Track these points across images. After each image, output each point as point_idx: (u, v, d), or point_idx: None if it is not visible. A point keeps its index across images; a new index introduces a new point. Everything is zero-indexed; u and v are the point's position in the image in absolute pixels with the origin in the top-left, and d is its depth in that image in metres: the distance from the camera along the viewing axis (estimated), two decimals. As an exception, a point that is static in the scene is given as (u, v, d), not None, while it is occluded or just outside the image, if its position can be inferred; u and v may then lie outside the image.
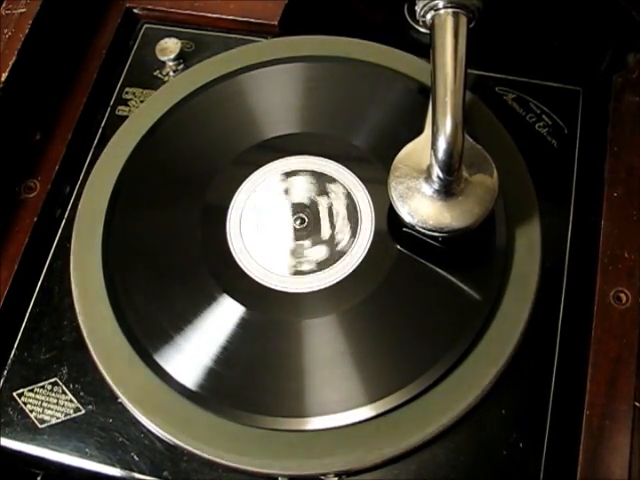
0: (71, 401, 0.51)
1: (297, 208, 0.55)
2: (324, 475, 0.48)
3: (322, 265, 0.53)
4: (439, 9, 0.49)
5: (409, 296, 0.51)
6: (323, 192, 0.56)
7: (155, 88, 0.63)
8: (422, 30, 0.63)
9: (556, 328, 0.52)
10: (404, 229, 0.51)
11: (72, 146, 0.61)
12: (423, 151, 0.50)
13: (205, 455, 0.48)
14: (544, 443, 0.48)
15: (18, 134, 0.60)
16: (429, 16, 0.50)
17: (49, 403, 0.52)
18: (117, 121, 0.61)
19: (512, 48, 0.63)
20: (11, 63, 0.58)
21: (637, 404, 0.47)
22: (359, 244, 0.53)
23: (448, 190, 0.49)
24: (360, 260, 0.53)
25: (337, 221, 0.54)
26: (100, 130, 0.62)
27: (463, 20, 0.49)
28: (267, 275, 0.53)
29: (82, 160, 0.61)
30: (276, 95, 0.60)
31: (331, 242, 0.54)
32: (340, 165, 0.56)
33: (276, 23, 0.64)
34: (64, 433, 0.51)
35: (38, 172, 0.60)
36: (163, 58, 0.63)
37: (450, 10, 0.49)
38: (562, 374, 0.50)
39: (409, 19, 0.65)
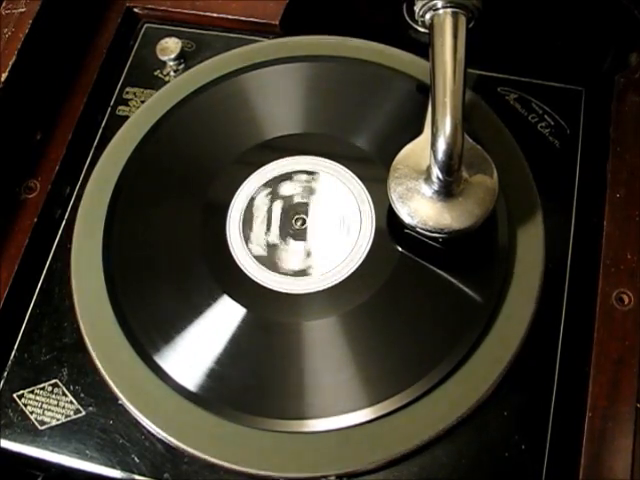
0: (71, 402, 0.51)
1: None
2: (325, 477, 0.47)
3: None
4: (438, 9, 0.49)
5: (410, 298, 0.51)
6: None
7: (156, 88, 0.63)
8: (421, 30, 0.63)
9: (558, 330, 0.51)
10: (405, 230, 0.51)
11: (72, 146, 0.61)
12: (423, 152, 0.50)
13: (206, 457, 0.48)
14: (546, 445, 0.48)
15: (18, 134, 0.60)
16: (428, 16, 0.50)
17: (49, 404, 0.51)
18: (118, 121, 0.61)
19: (514, 48, 0.63)
20: (11, 63, 0.58)
21: (639, 406, 0.47)
22: (360, 245, 0.53)
23: (448, 191, 0.49)
24: (361, 261, 0.52)
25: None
26: (100, 130, 0.62)
27: (462, 20, 0.49)
28: (267, 276, 0.53)
29: (82, 160, 0.61)
30: (276, 95, 0.60)
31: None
32: (340, 165, 0.56)
33: (277, 23, 0.64)
34: (64, 435, 0.51)
35: (38, 172, 0.60)
36: (164, 58, 0.63)
37: (449, 10, 0.49)
38: (564, 376, 0.50)
39: (407, 19, 0.64)
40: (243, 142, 0.58)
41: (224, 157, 0.57)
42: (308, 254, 0.54)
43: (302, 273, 0.53)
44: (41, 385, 0.52)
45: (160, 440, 0.49)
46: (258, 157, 0.57)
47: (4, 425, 0.51)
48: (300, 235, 0.54)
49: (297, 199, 0.56)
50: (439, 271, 0.52)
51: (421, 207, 0.49)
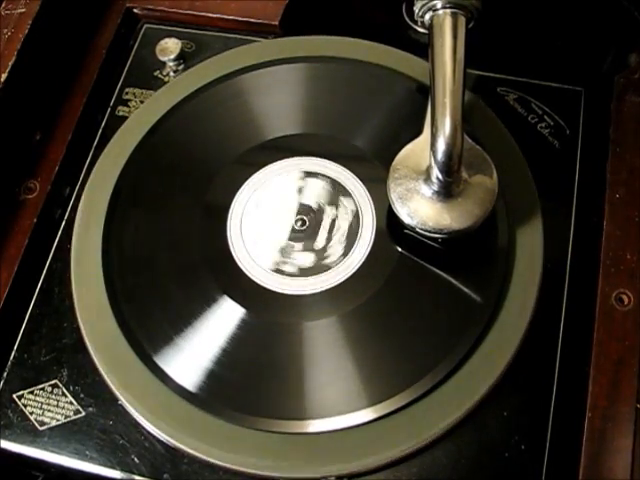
0: (71, 403, 0.51)
1: (300, 209, 0.55)
2: (325, 478, 0.47)
3: (304, 272, 0.53)
4: (437, 9, 0.49)
5: (410, 298, 0.51)
6: (330, 201, 0.55)
7: (155, 88, 0.63)
8: (420, 30, 0.63)
9: (558, 330, 0.51)
10: (405, 230, 0.51)
11: (72, 147, 0.61)
12: (422, 152, 0.50)
13: (206, 457, 0.48)
14: (546, 445, 0.48)
15: (18, 134, 0.60)
16: (427, 16, 0.50)
17: (49, 405, 0.51)
18: (117, 121, 0.61)
19: (514, 48, 0.63)
20: (11, 63, 0.58)
21: (639, 406, 0.47)
22: (360, 245, 0.53)
23: (448, 191, 0.49)
24: (361, 262, 0.52)
25: (334, 234, 0.54)
26: (100, 131, 0.62)
27: (462, 20, 0.49)
28: (268, 277, 0.53)
29: (82, 161, 0.61)
30: (276, 96, 0.60)
31: (320, 254, 0.53)
32: (340, 166, 0.56)
33: (277, 23, 0.64)
34: (64, 435, 0.51)
35: (38, 173, 0.60)
36: (163, 58, 0.63)
37: (448, 10, 0.49)
38: (564, 376, 0.50)
39: (407, 19, 0.64)
40: (243, 142, 0.58)
41: (224, 157, 0.57)
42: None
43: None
44: (41, 386, 0.52)
45: (160, 441, 0.49)
46: (258, 157, 0.57)
47: (4, 426, 0.51)
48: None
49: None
50: (439, 271, 0.52)
51: (421, 207, 0.49)
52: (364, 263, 0.52)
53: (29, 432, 0.51)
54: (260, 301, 0.52)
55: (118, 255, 0.55)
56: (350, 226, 0.54)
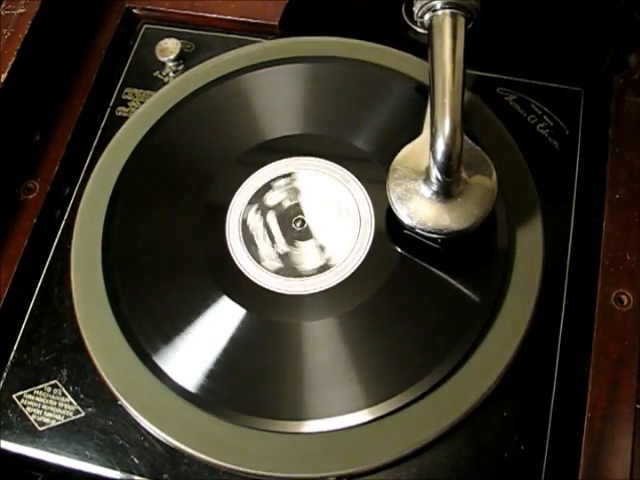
0: (71, 403, 0.51)
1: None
2: (325, 478, 0.47)
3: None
4: (437, 10, 0.49)
5: (409, 299, 0.51)
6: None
7: (155, 89, 0.63)
8: (420, 31, 0.63)
9: (558, 330, 0.51)
10: (404, 231, 0.51)
11: (72, 147, 0.61)
12: (422, 152, 0.50)
13: (205, 458, 0.48)
14: (545, 445, 0.48)
15: (18, 135, 0.60)
16: (427, 17, 0.50)
17: (49, 405, 0.51)
18: (117, 122, 0.61)
19: (513, 49, 0.63)
20: (10, 63, 0.58)
21: (639, 406, 0.47)
22: (359, 246, 0.53)
23: (447, 192, 0.49)
24: (360, 262, 0.52)
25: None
26: (100, 131, 0.62)
27: (461, 21, 0.49)
28: (267, 277, 0.53)
29: (82, 161, 0.61)
30: (276, 96, 0.60)
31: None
32: (340, 166, 0.56)
33: (276, 23, 0.64)
34: (64, 436, 0.51)
35: (38, 173, 0.60)
36: (163, 59, 0.63)
37: (448, 11, 0.49)
38: (564, 376, 0.50)
39: (406, 19, 0.65)
40: (242, 143, 0.58)
41: (224, 158, 0.57)
42: (322, 248, 0.54)
43: (324, 268, 0.53)
44: (40, 386, 0.52)
45: (159, 441, 0.49)
46: (257, 158, 0.57)
47: (3, 426, 0.51)
48: (305, 235, 0.54)
49: (287, 202, 0.56)
50: (438, 272, 0.52)
51: (420, 208, 0.49)
52: (363, 263, 0.52)
53: (29, 432, 0.51)
54: (259, 301, 0.52)
55: (118, 255, 0.55)
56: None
